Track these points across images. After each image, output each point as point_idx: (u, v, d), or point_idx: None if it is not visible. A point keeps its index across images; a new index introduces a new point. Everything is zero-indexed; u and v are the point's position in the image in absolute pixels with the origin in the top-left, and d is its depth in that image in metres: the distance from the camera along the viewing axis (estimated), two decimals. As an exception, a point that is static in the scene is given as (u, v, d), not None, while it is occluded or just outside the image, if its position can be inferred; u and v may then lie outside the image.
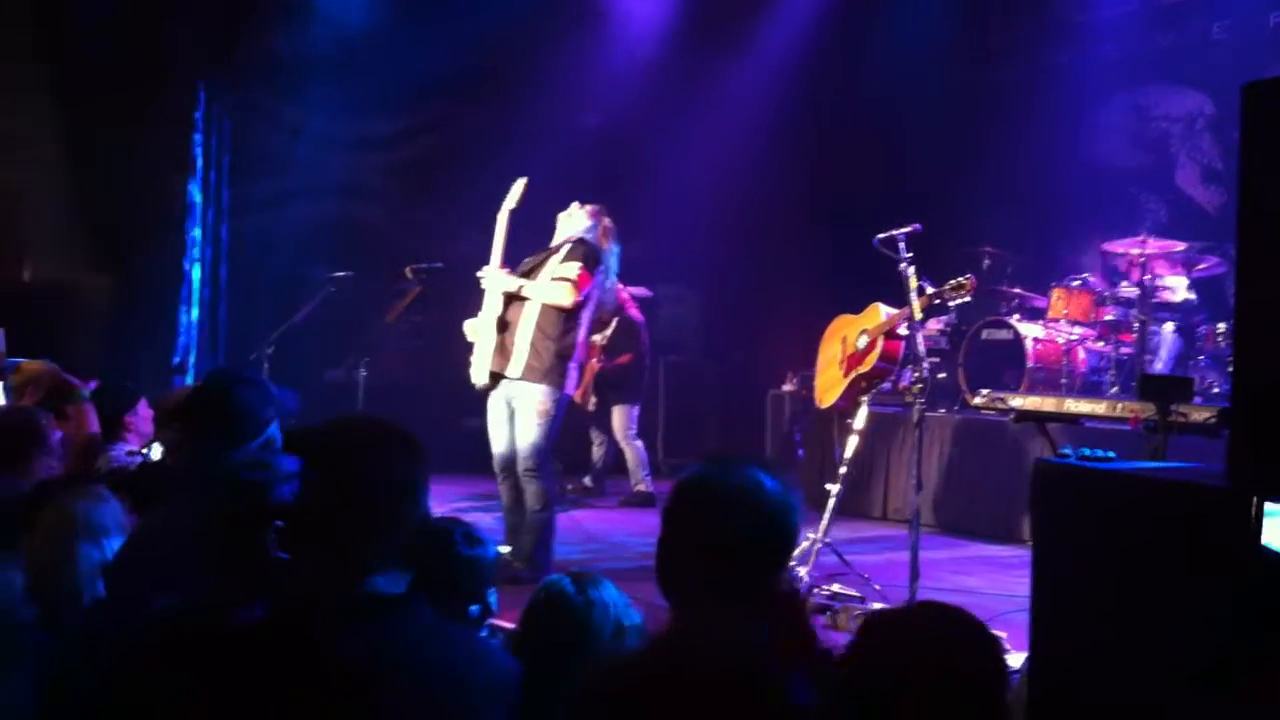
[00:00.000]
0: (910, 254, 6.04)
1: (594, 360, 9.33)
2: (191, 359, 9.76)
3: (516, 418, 6.18)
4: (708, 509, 2.27)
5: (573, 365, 6.26)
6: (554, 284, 6.13)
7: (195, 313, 9.98)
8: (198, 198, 10.04)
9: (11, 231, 9.35)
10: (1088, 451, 3.42)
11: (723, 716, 1.69)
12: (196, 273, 10.01)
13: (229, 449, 3.18)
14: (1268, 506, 2.60)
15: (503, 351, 6.16)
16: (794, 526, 2.30)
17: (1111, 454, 3.33)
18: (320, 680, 2.01)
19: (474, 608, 2.91)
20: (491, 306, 6.21)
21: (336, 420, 2.37)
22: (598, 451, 9.73)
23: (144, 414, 5.13)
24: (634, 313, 9.48)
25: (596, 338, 9.37)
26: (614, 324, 9.35)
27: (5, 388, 5.51)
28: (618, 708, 1.79)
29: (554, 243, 6.41)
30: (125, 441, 4.97)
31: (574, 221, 6.42)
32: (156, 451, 4.84)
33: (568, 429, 9.85)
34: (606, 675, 1.88)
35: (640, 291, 9.69)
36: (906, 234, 6.11)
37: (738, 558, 2.22)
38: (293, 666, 2.02)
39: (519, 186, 6.31)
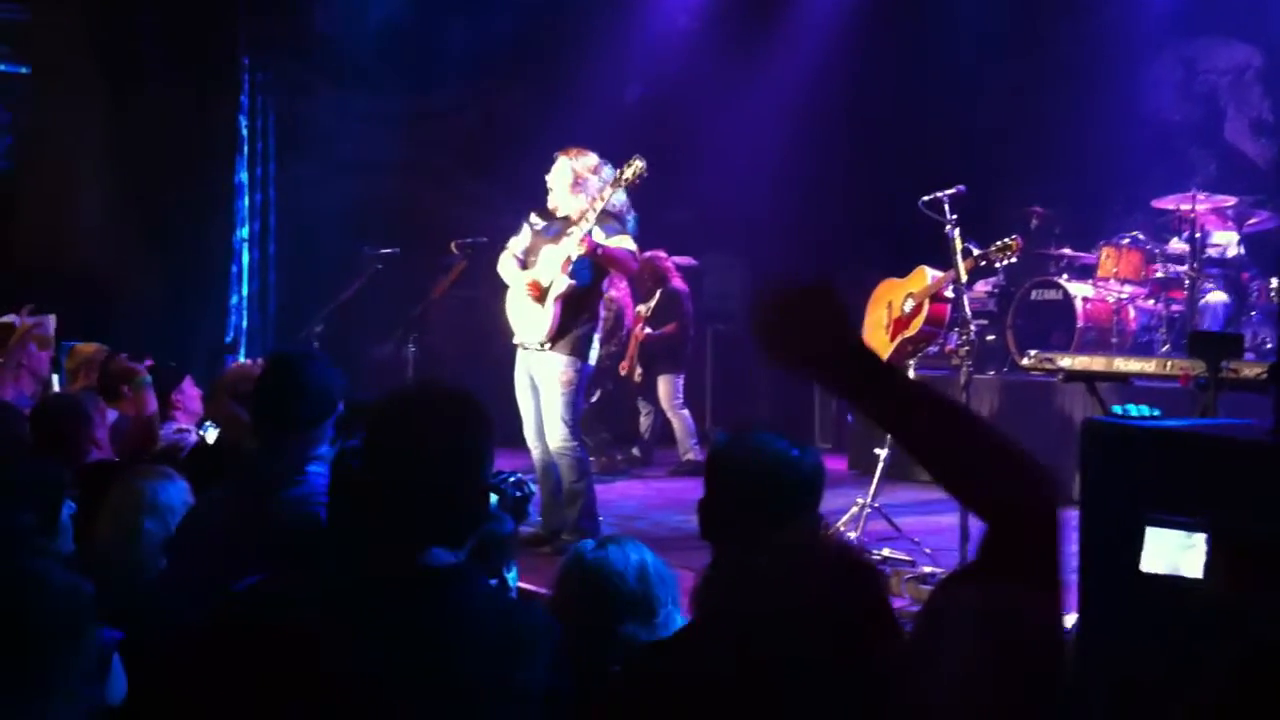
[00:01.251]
0: (955, 216, 6.00)
1: (638, 329, 9.35)
2: (243, 338, 9.88)
3: (540, 390, 6.22)
4: (732, 462, 2.41)
5: (596, 337, 6.29)
6: (621, 248, 6.17)
7: (245, 291, 10.09)
8: (245, 177, 10.14)
9: (62, 215, 9.48)
10: (1135, 409, 3.41)
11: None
12: (245, 252, 10.12)
13: (304, 429, 3.21)
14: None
15: (528, 320, 6.22)
16: (807, 470, 2.44)
17: (1157, 411, 3.32)
18: (383, 652, 2.03)
19: (491, 581, 2.91)
20: (538, 274, 6.22)
21: (402, 389, 2.38)
22: (645, 421, 9.76)
23: (190, 392, 5.22)
24: (678, 283, 9.48)
25: (640, 308, 9.39)
26: (658, 294, 9.36)
27: (60, 371, 5.62)
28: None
29: (561, 202, 6.31)
30: (173, 420, 5.05)
31: (581, 196, 6.27)
32: (211, 433, 4.90)
33: (615, 400, 9.95)
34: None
35: (685, 261, 9.69)
36: (951, 196, 6.07)
37: (766, 500, 2.33)
38: (351, 642, 2.04)
39: (637, 166, 6.21)
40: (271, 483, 3.15)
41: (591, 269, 6.20)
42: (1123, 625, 3.13)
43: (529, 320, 6.22)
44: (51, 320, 5.25)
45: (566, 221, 6.24)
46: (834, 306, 1.73)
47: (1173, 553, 2.60)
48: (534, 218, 6.38)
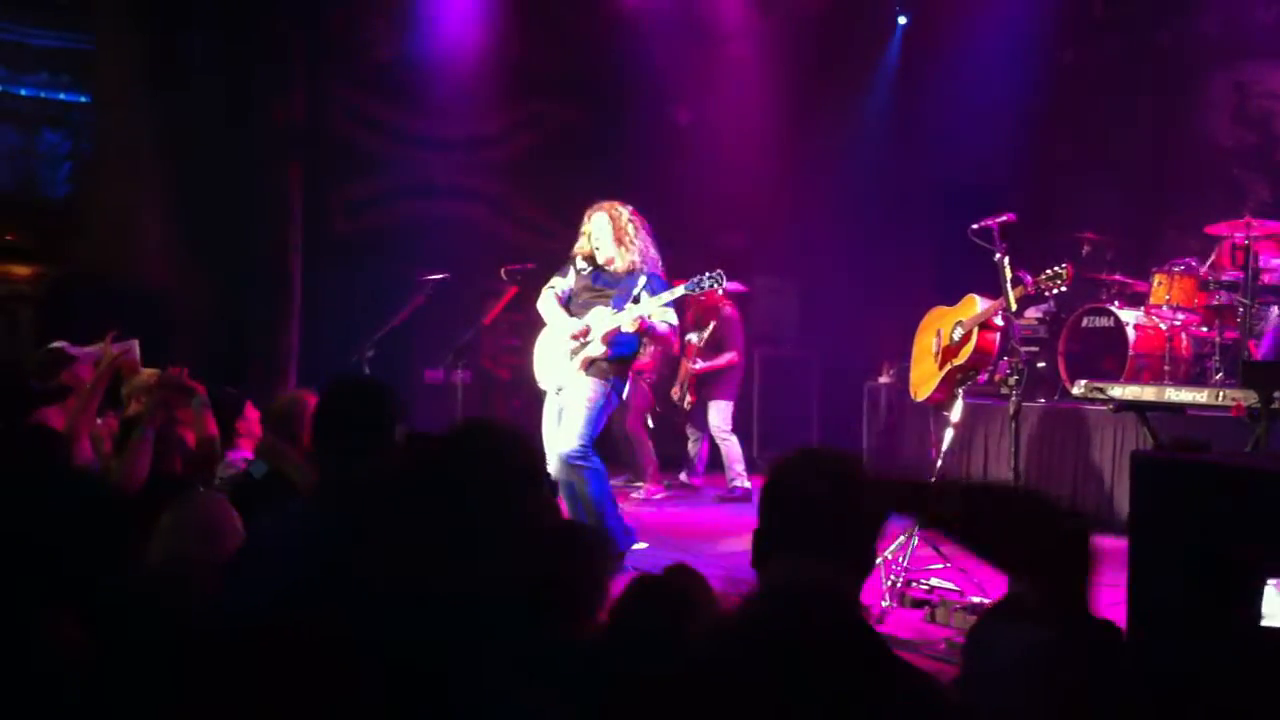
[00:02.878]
0: (1005, 243, 5.99)
1: (691, 361, 9.38)
2: (295, 363, 9.98)
3: (565, 409, 6.32)
4: (790, 480, 2.30)
5: (631, 375, 6.47)
6: (667, 326, 6.41)
7: (300, 315, 10.21)
8: (301, 201, 10.27)
9: (122, 239, 9.63)
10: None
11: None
12: (300, 276, 10.24)
13: (363, 455, 3.20)
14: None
15: (557, 367, 6.39)
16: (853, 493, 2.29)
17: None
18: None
19: None
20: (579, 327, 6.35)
21: (460, 425, 2.44)
22: (694, 448, 9.78)
23: (251, 416, 5.26)
24: (730, 311, 9.50)
25: (693, 336, 9.42)
26: (711, 327, 9.38)
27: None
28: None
29: (609, 254, 6.44)
30: (238, 448, 5.09)
31: (630, 249, 6.44)
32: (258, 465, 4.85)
33: (666, 426, 9.98)
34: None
35: (734, 286, 9.70)
36: (1001, 223, 6.06)
37: (820, 519, 2.22)
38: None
39: (719, 282, 6.34)
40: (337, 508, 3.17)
41: (632, 341, 6.42)
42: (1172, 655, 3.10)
43: (557, 367, 6.35)
44: (136, 346, 5.27)
45: (614, 275, 6.41)
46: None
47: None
48: (581, 262, 6.48)
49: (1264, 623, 2.46)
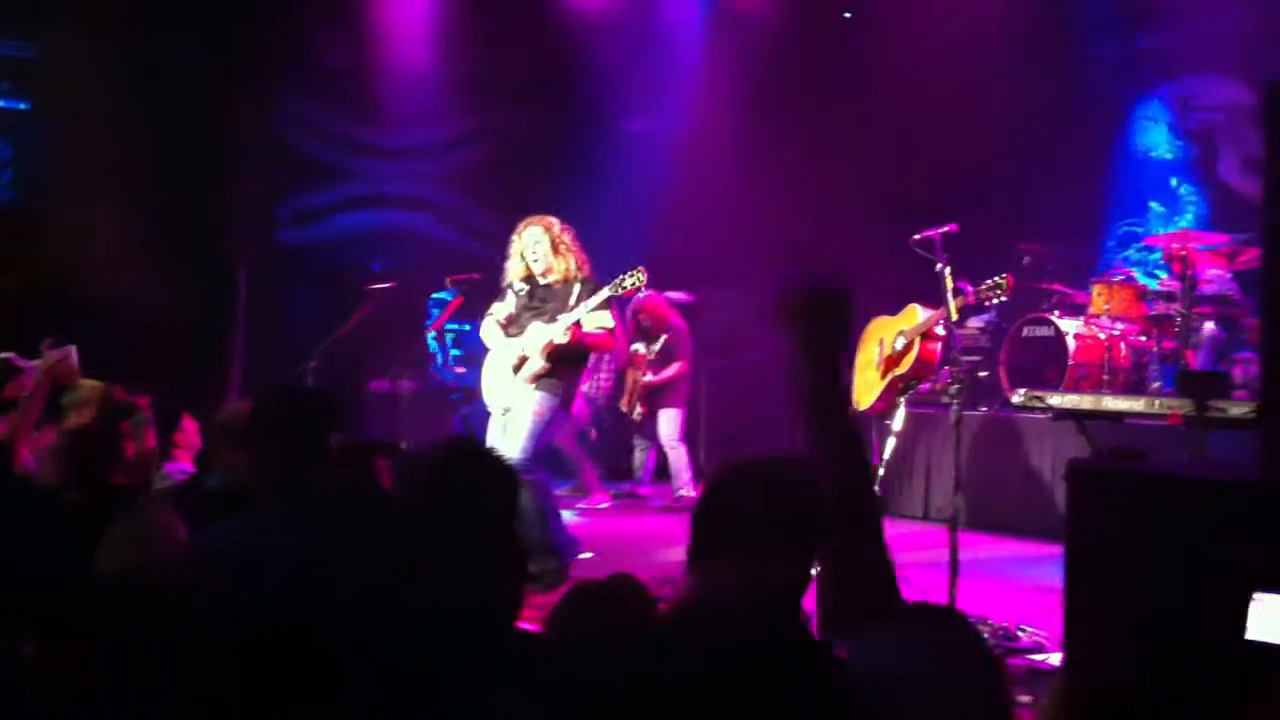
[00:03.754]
0: (947, 254, 6.05)
1: (641, 373, 9.40)
2: (240, 373, 9.90)
3: (511, 420, 6.32)
4: (726, 487, 2.32)
5: (579, 388, 6.50)
6: (602, 330, 6.43)
7: (245, 326, 10.12)
8: (247, 210, 10.19)
9: (69, 248, 9.51)
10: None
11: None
12: (246, 285, 10.15)
13: (298, 466, 3.23)
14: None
15: (503, 389, 6.43)
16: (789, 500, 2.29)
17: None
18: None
19: None
20: (525, 346, 6.36)
21: (435, 445, 2.50)
22: (640, 457, 9.79)
23: (188, 428, 5.23)
24: (677, 321, 9.53)
25: (640, 347, 9.44)
26: (662, 339, 9.40)
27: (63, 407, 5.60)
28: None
29: (547, 265, 6.47)
30: (174, 460, 5.06)
31: (566, 258, 6.48)
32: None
33: (610, 435, 9.99)
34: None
35: (680, 296, 9.73)
36: (943, 233, 6.12)
37: (754, 525, 2.22)
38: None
39: (639, 279, 6.38)
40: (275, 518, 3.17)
41: (575, 350, 6.45)
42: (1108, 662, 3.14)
43: (504, 389, 6.39)
44: (74, 352, 5.20)
45: (550, 290, 6.41)
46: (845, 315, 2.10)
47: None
48: (518, 284, 6.50)
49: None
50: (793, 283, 2.13)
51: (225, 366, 9.88)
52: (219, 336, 9.91)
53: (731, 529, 2.21)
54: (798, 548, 2.24)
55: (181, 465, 4.99)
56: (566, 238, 6.49)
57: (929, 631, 2.03)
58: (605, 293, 6.35)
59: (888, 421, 6.44)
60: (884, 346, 6.64)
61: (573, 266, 6.43)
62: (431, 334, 8.94)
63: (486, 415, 6.61)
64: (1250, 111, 9.82)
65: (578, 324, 6.28)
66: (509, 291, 6.61)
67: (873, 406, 6.71)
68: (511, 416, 6.35)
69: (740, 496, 2.24)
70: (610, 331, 6.55)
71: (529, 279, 6.52)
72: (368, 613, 2.25)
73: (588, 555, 6.58)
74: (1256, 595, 2.44)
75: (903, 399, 6.39)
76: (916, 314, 6.51)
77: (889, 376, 6.50)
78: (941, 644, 1.94)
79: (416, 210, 11.21)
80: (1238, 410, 5.21)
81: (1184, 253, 8.21)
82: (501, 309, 6.60)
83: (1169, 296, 8.38)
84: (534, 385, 6.31)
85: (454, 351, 10.35)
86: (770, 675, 2.00)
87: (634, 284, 6.38)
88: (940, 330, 6.30)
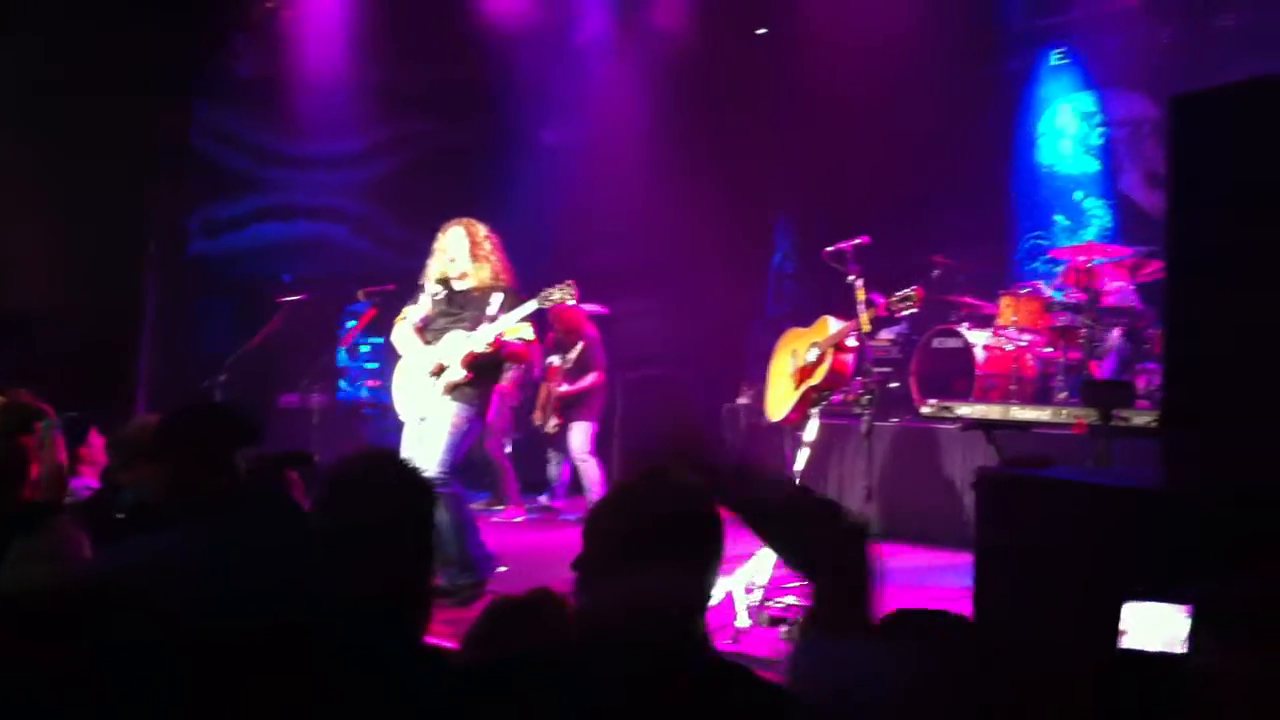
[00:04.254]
0: (858, 266, 6.13)
1: (555, 384, 9.38)
2: (146, 386, 9.71)
3: (427, 434, 6.22)
4: (625, 500, 2.34)
5: (495, 395, 6.43)
6: (521, 342, 6.34)
7: (151, 339, 9.94)
8: (156, 220, 10.00)
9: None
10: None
11: None
12: (153, 297, 9.97)
13: (205, 481, 3.20)
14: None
15: (417, 397, 6.31)
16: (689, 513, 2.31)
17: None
18: None
19: None
20: (440, 354, 6.30)
21: (351, 456, 2.49)
22: (554, 470, 9.77)
23: (95, 443, 5.11)
24: (592, 332, 9.53)
25: (555, 359, 9.41)
26: (579, 349, 9.38)
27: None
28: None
29: (465, 269, 6.41)
30: (80, 475, 4.94)
31: (486, 265, 6.41)
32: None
33: (527, 449, 9.95)
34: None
35: (595, 309, 9.73)
36: (855, 246, 6.20)
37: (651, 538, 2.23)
38: None
39: (568, 292, 6.35)
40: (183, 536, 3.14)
41: (494, 361, 6.38)
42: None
43: (418, 397, 6.29)
44: None
45: (469, 296, 6.32)
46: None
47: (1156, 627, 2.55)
48: (434, 286, 6.40)
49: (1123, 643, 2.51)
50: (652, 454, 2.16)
51: (132, 380, 9.69)
52: (126, 349, 9.72)
53: (615, 547, 2.21)
54: (685, 563, 2.23)
55: (87, 481, 4.87)
56: (488, 244, 6.36)
57: (913, 643, 2.01)
58: (532, 305, 6.27)
59: (800, 433, 6.49)
60: (797, 358, 6.69)
61: (490, 274, 6.32)
62: (344, 347, 8.82)
63: (400, 428, 6.51)
64: (1153, 126, 10.07)
65: (500, 335, 6.22)
66: (422, 294, 6.48)
67: (786, 418, 6.76)
68: (427, 427, 6.26)
69: (622, 513, 2.25)
70: (529, 344, 6.51)
71: (445, 282, 6.43)
72: (278, 624, 2.23)
73: (504, 569, 6.54)
74: (1129, 604, 2.47)
75: (816, 410, 6.43)
76: (829, 325, 6.57)
77: (802, 388, 6.55)
78: (921, 657, 1.92)
79: (330, 221, 11.10)
80: (1141, 419, 5.35)
81: (1089, 265, 8.39)
82: (415, 311, 6.45)
83: (1074, 308, 8.54)
84: (450, 395, 6.22)
85: (368, 365, 10.26)
86: (665, 687, 1.99)
87: (561, 297, 6.32)
88: (852, 342, 6.37)
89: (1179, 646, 2.39)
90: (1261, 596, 2.23)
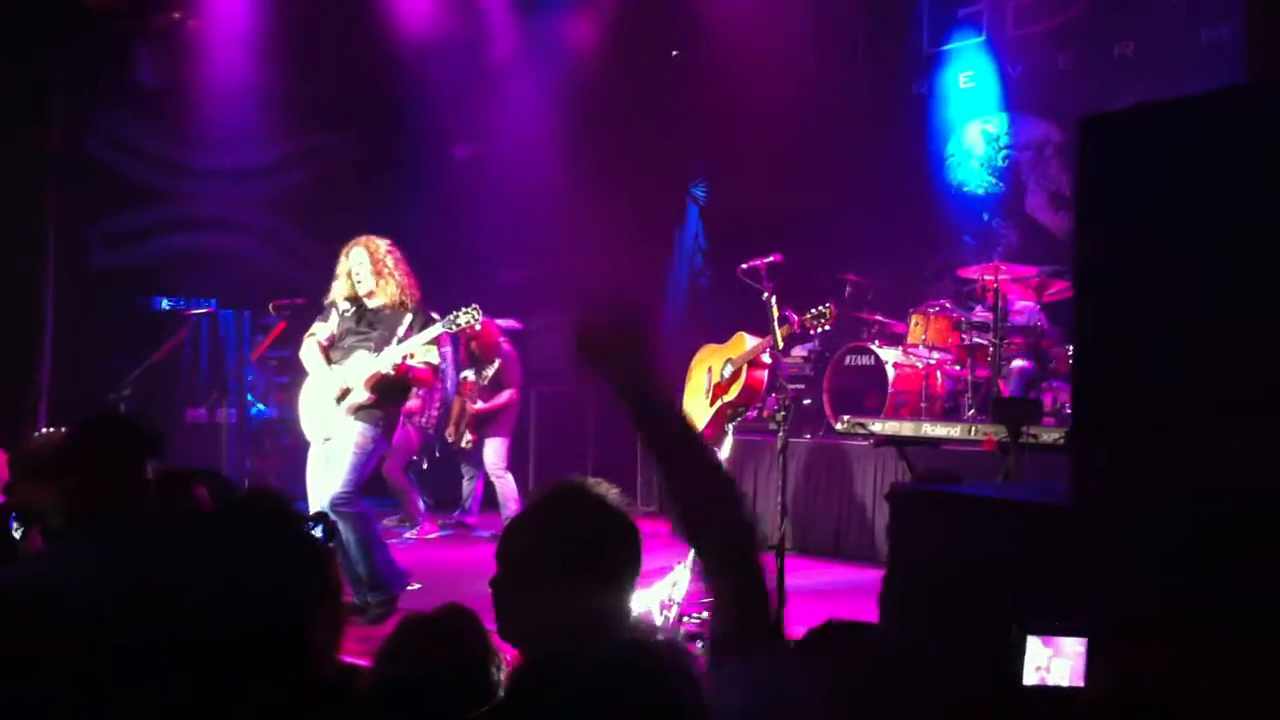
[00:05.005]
0: (772, 283, 6.17)
1: (471, 401, 9.31)
2: (47, 401, 9.48)
3: (333, 454, 6.16)
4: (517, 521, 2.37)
5: (401, 415, 6.36)
6: (426, 366, 6.27)
7: (51, 352, 9.70)
8: (56, 231, 9.77)
9: None
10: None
11: None
12: (53, 310, 9.73)
13: (111, 500, 3.13)
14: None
15: (323, 417, 6.23)
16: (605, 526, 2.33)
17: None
18: None
19: None
20: (346, 375, 6.21)
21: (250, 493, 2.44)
22: (468, 486, 9.69)
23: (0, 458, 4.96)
24: (507, 347, 9.48)
25: (469, 375, 9.34)
26: (496, 365, 9.31)
27: None
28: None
29: (371, 288, 6.32)
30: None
31: (391, 280, 6.33)
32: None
33: (441, 464, 9.86)
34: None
35: (510, 324, 9.69)
36: (768, 263, 6.25)
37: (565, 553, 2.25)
38: None
39: (474, 316, 6.29)
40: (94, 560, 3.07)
41: (399, 383, 6.31)
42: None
43: (324, 417, 6.22)
44: None
45: (378, 315, 6.27)
46: (643, 332, 2.06)
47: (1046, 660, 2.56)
48: (343, 303, 6.32)
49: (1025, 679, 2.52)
50: (585, 321, 2.08)
51: (32, 395, 9.44)
52: (25, 363, 9.47)
53: (531, 564, 2.21)
54: (602, 579, 2.23)
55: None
56: (390, 261, 6.30)
57: (836, 657, 2.00)
58: (438, 329, 6.23)
59: (716, 448, 6.50)
60: (712, 374, 6.72)
61: (396, 292, 6.26)
62: (252, 361, 8.67)
63: (307, 445, 6.42)
64: (1056, 148, 10.28)
65: (406, 358, 6.16)
66: (332, 311, 6.41)
67: (701, 433, 6.76)
68: (333, 447, 6.18)
69: (538, 529, 2.25)
70: (435, 369, 6.43)
71: (354, 300, 6.36)
72: (186, 641, 2.18)
73: (416, 586, 6.46)
74: (1029, 638, 2.48)
75: (731, 426, 6.46)
76: (744, 342, 6.61)
77: (717, 404, 6.58)
78: (841, 672, 1.91)
79: (236, 233, 10.93)
80: (1049, 436, 5.44)
81: (995, 285, 8.51)
82: (323, 329, 6.37)
83: (982, 327, 8.66)
84: (355, 416, 6.15)
85: (276, 379, 10.11)
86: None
87: (469, 321, 6.29)
88: (767, 358, 6.41)
89: (1079, 679, 2.42)
90: (1159, 613, 2.26)
